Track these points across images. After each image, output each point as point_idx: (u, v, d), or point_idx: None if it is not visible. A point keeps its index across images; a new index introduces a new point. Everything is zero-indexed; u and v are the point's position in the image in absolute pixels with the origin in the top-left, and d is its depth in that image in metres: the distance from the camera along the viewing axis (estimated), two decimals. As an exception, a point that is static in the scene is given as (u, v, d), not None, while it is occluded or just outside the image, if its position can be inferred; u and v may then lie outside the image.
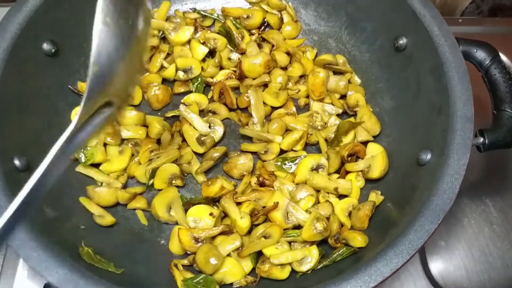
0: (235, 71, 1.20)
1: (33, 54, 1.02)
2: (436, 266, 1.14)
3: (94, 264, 0.87)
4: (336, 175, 1.07)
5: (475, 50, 1.03)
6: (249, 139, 1.12)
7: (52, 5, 1.03)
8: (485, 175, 1.24)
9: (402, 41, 1.08)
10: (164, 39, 1.21)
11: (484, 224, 1.19)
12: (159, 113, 1.18)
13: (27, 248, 0.78)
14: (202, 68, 1.19)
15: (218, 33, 1.22)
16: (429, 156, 0.95)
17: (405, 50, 1.08)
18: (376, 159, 1.03)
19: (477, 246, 1.16)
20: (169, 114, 1.14)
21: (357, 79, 1.20)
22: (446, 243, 1.17)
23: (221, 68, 1.22)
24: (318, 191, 1.04)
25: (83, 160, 1.02)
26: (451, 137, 0.89)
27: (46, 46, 1.04)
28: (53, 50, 1.06)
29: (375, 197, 1.01)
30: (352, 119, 1.14)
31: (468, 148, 0.88)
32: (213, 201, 1.04)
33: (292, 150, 1.09)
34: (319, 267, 0.94)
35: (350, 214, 1.01)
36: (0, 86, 0.93)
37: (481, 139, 0.96)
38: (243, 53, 1.21)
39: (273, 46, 1.23)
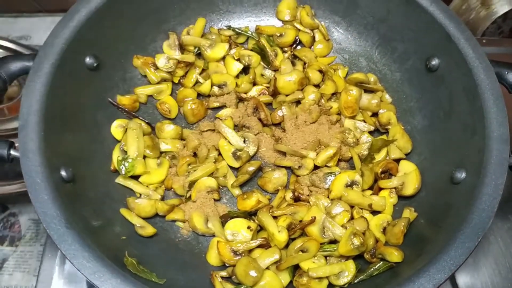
0: (268, 87, 1.23)
1: (76, 67, 1.06)
2: (464, 281, 1.16)
3: (139, 274, 0.89)
4: (370, 192, 1.09)
5: (506, 72, 1.06)
6: (283, 154, 1.15)
7: (96, 21, 1.07)
8: (511, 193, 1.27)
9: (435, 61, 1.11)
10: (199, 55, 1.24)
11: (511, 242, 1.21)
12: (194, 127, 1.21)
13: (81, 258, 0.81)
14: (236, 84, 1.22)
15: (252, 50, 1.25)
16: (463, 175, 0.97)
17: (437, 71, 1.12)
18: (409, 177, 1.06)
19: (504, 264, 1.19)
20: (205, 128, 1.17)
21: (388, 97, 1.22)
22: (474, 260, 1.19)
23: (255, 84, 1.25)
24: (352, 206, 1.06)
25: (123, 172, 1.05)
26: (487, 157, 0.92)
27: (88, 60, 1.08)
28: (95, 64, 1.09)
29: (409, 213, 1.04)
30: (384, 136, 1.16)
31: (505, 168, 0.90)
32: (249, 214, 1.07)
33: (325, 166, 1.12)
34: (356, 281, 0.96)
35: (384, 230, 1.04)
36: (46, 99, 0.95)
37: (514, 159, 0.99)
38: (276, 70, 1.24)
39: (305, 63, 1.26)
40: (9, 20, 1.84)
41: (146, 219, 1.05)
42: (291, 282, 0.98)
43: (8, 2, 1.79)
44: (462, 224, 0.86)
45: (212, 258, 1.02)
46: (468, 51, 1.03)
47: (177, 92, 1.23)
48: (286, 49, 1.29)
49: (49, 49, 0.99)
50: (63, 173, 0.94)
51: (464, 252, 0.83)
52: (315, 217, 1.00)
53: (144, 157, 1.09)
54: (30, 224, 1.42)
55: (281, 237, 0.99)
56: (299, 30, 1.28)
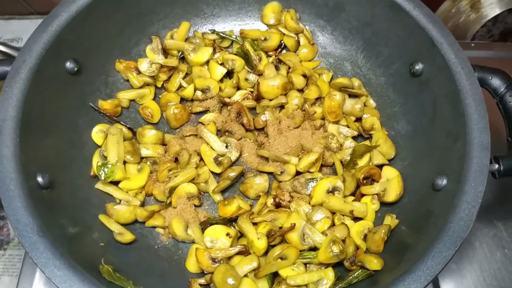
0: (252, 92, 1.23)
1: (56, 72, 1.05)
2: (448, 288, 1.15)
3: (114, 282, 0.89)
4: (352, 198, 1.08)
5: (490, 77, 1.05)
6: (266, 159, 1.14)
7: (76, 25, 1.06)
8: (497, 199, 1.25)
9: (418, 66, 1.10)
10: (183, 59, 1.23)
11: (496, 248, 1.20)
12: (177, 131, 1.20)
13: (52, 267, 0.80)
14: (220, 88, 1.21)
15: (236, 54, 1.24)
16: (444, 182, 0.96)
17: (421, 76, 1.10)
18: (391, 183, 1.05)
19: (489, 270, 1.17)
20: (187, 133, 1.16)
21: (372, 102, 1.21)
22: (458, 266, 1.17)
23: (238, 88, 1.24)
24: (333, 213, 1.05)
25: (103, 178, 1.04)
26: (468, 164, 0.91)
27: (69, 64, 1.07)
28: (75, 69, 1.08)
29: (391, 220, 1.03)
30: (367, 142, 1.15)
31: (485, 176, 0.89)
32: (229, 220, 1.06)
33: (308, 171, 1.11)
34: (334, 289, 0.95)
35: (365, 237, 1.03)
36: (24, 105, 0.94)
37: (496, 166, 0.98)
38: (260, 74, 1.23)
39: (289, 68, 1.25)
40: (0, 23, 1.84)
41: (125, 225, 1.04)
42: (270, 289, 0.98)
43: (0, 5, 1.79)
44: (440, 233, 0.85)
45: (191, 265, 1.01)
46: (450, 56, 1.02)
47: (160, 96, 1.22)
48: (271, 53, 1.28)
49: (27, 54, 0.98)
50: (39, 179, 0.93)
51: (441, 261, 0.82)
52: (294, 224, 0.99)
53: (125, 162, 1.08)
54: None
55: (260, 244, 0.98)
56: (284, 34, 1.27)
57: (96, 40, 1.13)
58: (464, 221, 0.86)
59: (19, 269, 1.34)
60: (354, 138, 1.17)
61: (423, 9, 1.08)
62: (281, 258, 0.97)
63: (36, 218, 0.85)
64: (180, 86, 1.22)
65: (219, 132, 1.18)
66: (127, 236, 1.02)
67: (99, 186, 1.07)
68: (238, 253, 0.99)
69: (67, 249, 0.85)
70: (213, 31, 1.28)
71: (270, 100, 1.19)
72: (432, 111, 1.08)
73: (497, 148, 1.00)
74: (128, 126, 1.15)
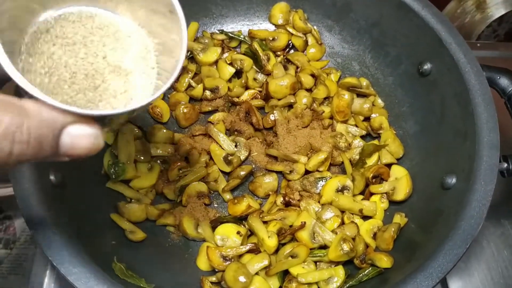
0: (260, 91, 1.23)
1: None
2: (456, 286, 1.16)
3: (127, 280, 0.89)
4: (361, 197, 1.09)
5: (498, 77, 1.06)
6: (274, 158, 1.15)
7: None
8: (504, 198, 1.26)
9: (427, 66, 1.11)
10: (191, 59, 1.24)
11: (503, 247, 1.20)
12: (186, 130, 1.20)
13: (67, 264, 0.80)
14: (229, 88, 1.22)
15: (244, 54, 1.25)
16: (454, 181, 0.97)
17: (429, 75, 1.11)
18: (400, 182, 1.06)
19: (496, 269, 1.18)
20: (197, 132, 1.17)
21: (380, 102, 1.22)
22: (466, 265, 1.18)
23: (247, 88, 1.24)
24: (343, 212, 1.06)
25: (114, 176, 1.05)
26: (478, 163, 0.92)
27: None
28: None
29: (400, 219, 1.04)
30: (376, 141, 1.16)
31: (494, 174, 0.90)
32: (239, 219, 1.07)
33: (317, 170, 1.11)
34: (345, 287, 0.96)
35: (374, 235, 1.03)
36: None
37: (505, 165, 0.98)
38: (268, 74, 1.24)
39: (297, 67, 1.26)
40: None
41: (136, 223, 1.05)
42: (280, 287, 0.98)
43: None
44: (451, 231, 0.86)
45: (202, 263, 1.02)
46: (459, 55, 1.03)
47: (169, 96, 1.23)
48: (279, 53, 1.29)
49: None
50: (52, 177, 0.93)
51: (452, 259, 0.83)
52: (305, 222, 1.00)
53: (135, 161, 1.09)
54: (25, 227, 1.42)
55: (271, 242, 0.98)
56: (292, 34, 1.28)
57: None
58: (475, 219, 0.86)
59: (26, 268, 1.34)
60: (362, 137, 1.18)
61: (431, 9, 1.09)
62: (292, 256, 0.98)
63: (51, 216, 0.85)
64: (189, 86, 1.23)
65: (228, 132, 1.19)
66: (138, 235, 1.02)
67: (110, 185, 1.08)
68: (249, 251, 1.00)
69: (81, 247, 0.85)
70: (222, 31, 1.29)
71: (279, 99, 1.20)
72: (441, 110, 1.08)
73: (505, 147, 1.00)
74: (138, 125, 1.16)
